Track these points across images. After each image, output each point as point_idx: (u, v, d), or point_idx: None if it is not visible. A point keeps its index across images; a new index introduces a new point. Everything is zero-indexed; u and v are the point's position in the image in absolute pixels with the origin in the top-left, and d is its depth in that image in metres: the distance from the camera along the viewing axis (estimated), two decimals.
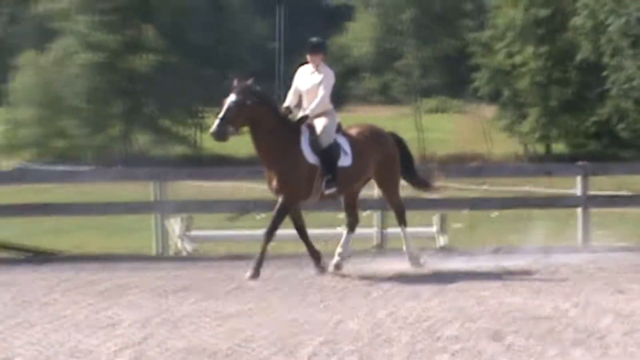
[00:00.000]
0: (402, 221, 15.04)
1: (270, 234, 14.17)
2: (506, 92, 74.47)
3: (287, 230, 15.84)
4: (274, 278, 14.63)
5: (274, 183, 14.07)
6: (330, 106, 14.46)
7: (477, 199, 26.00)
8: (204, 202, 22.63)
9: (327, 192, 14.38)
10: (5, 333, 11.08)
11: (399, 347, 10.43)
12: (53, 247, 20.28)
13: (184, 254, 20.53)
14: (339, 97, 78.51)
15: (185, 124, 75.31)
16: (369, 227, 19.43)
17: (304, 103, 14.49)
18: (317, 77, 14.49)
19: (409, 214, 16.05)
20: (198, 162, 64.71)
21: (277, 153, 14.08)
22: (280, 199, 14.19)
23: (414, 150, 42.59)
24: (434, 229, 21.88)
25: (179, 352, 10.40)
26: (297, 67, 14.86)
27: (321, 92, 14.34)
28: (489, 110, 77.77)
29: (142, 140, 73.74)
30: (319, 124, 14.39)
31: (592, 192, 21.57)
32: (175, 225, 21.32)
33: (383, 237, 19.37)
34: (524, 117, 74.05)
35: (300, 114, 14.39)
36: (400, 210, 15.20)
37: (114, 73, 72.82)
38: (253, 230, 21.59)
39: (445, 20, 77.60)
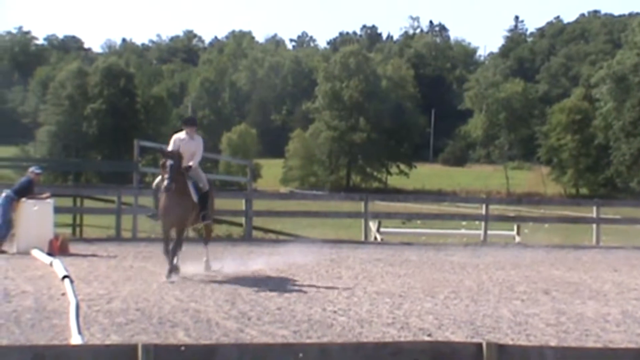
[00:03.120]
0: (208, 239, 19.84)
1: (177, 248, 18.30)
2: (555, 159, 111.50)
3: None
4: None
5: (174, 213, 18.12)
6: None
7: (539, 218, 36.07)
8: (389, 213, 33.94)
9: (204, 222, 19.24)
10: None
11: None
12: (307, 235, 31.20)
13: (379, 240, 29.47)
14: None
15: None
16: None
17: (183, 161, 18.24)
18: (194, 143, 18.62)
19: None
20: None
21: (179, 193, 18.02)
22: (177, 225, 18.27)
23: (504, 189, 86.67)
24: (514, 232, 31.39)
25: (375, 294, 16.79)
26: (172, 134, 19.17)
27: (200, 152, 18.62)
28: (545, 169, 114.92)
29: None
30: (200, 175, 18.83)
31: (602, 216, 31.69)
32: (373, 225, 30.22)
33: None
34: (564, 173, 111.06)
35: (185, 164, 18.24)
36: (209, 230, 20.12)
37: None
38: (414, 228, 34.24)
39: (523, 120, 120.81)
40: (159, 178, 18.51)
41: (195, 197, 18.28)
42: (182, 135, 18.70)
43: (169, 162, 17.76)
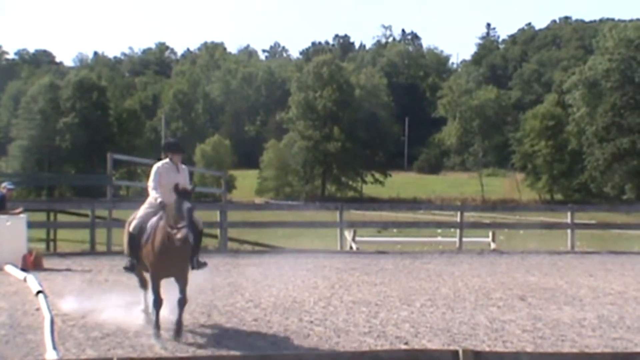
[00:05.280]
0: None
1: (184, 303, 13.97)
2: (529, 165, 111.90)
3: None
4: None
5: (177, 264, 13.90)
6: None
7: (513, 224, 37.73)
8: (364, 222, 35.03)
9: (198, 268, 14.62)
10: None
11: None
12: (283, 245, 31.12)
13: (354, 249, 29.43)
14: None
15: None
16: None
17: (165, 197, 14.13)
18: (181, 176, 14.59)
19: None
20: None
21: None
22: (180, 278, 13.94)
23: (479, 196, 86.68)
24: (489, 238, 31.19)
25: (352, 303, 16.73)
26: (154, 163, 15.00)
27: (187, 186, 14.26)
28: (520, 176, 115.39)
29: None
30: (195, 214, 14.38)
31: (577, 221, 31.45)
32: (348, 234, 30.38)
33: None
34: (539, 179, 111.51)
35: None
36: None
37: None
38: (390, 237, 34.49)
39: (497, 127, 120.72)
40: (137, 219, 14.86)
41: (191, 239, 14.26)
42: (165, 164, 14.82)
43: (187, 206, 13.75)
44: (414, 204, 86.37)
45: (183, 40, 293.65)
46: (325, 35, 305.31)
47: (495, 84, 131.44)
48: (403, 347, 13.41)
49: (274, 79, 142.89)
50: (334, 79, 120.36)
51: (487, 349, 13.05)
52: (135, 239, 14.69)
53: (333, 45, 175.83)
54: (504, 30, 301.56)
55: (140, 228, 14.62)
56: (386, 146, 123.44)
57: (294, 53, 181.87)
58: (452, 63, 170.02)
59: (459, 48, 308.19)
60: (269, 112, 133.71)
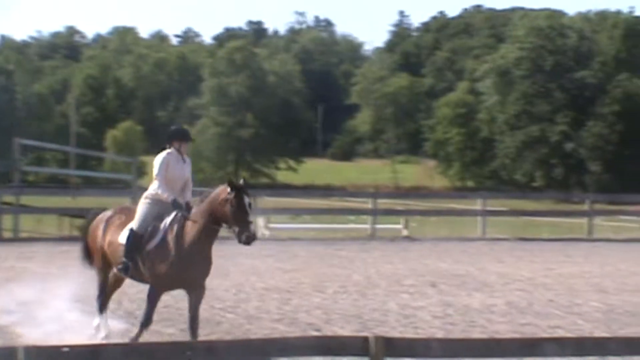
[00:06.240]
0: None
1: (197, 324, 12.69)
2: (441, 153, 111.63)
3: None
4: None
5: (201, 270, 12.65)
6: None
7: (426, 211, 37.65)
8: (277, 209, 34.84)
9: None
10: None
11: None
12: None
13: (267, 236, 28.57)
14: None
15: None
16: None
17: (176, 191, 12.91)
18: (187, 168, 13.12)
19: None
20: None
21: (209, 243, 12.63)
22: (199, 289, 12.74)
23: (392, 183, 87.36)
24: (401, 225, 31.03)
25: (264, 290, 17.61)
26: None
27: (190, 181, 13.21)
28: (432, 163, 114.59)
29: None
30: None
31: (488, 208, 32.74)
32: (261, 220, 29.95)
33: None
34: (451, 167, 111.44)
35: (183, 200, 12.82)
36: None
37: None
38: (303, 224, 34.22)
39: (410, 114, 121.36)
40: (141, 217, 13.00)
41: None
42: (172, 154, 13.14)
43: (247, 200, 12.49)
44: (327, 190, 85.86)
45: (93, 24, 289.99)
46: (239, 21, 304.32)
47: (408, 71, 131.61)
48: (314, 333, 13.39)
49: (187, 64, 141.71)
50: (247, 65, 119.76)
51: (399, 336, 13.08)
52: (138, 240, 12.84)
53: (247, 31, 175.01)
54: (417, 18, 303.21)
55: (153, 229, 12.83)
56: (300, 133, 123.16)
57: (207, 39, 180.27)
58: (366, 50, 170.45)
59: (373, 35, 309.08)
60: (181, 97, 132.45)
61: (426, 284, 18.89)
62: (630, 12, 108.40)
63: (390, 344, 8.72)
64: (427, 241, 28.12)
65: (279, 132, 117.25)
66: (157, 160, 13.18)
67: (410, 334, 13.74)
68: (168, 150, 13.09)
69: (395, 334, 13.54)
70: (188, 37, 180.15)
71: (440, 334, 13.81)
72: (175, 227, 12.63)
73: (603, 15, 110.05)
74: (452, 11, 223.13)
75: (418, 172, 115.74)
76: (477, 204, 32.85)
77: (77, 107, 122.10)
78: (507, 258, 24.11)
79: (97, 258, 13.39)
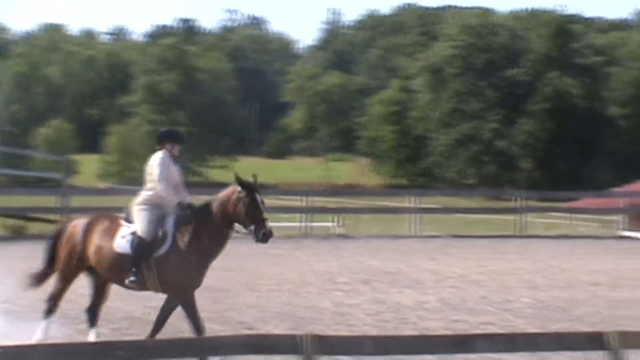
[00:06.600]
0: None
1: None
2: (375, 150, 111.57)
3: None
4: None
5: (200, 276, 12.62)
6: None
7: (360, 209, 37.73)
8: None
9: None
10: None
11: None
12: None
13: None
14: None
15: None
16: None
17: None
18: (178, 170, 12.82)
19: None
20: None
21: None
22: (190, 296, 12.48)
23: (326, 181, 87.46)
24: (335, 223, 31.97)
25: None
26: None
27: (182, 183, 12.98)
28: (366, 161, 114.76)
29: None
30: None
31: (420, 206, 33.01)
32: None
33: None
34: (384, 164, 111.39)
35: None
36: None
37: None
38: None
39: (343, 112, 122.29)
40: (147, 224, 12.48)
41: None
42: (165, 155, 12.63)
43: (260, 197, 12.76)
44: (261, 189, 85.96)
45: (20, 21, 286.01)
46: (169, 19, 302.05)
47: (341, 69, 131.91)
48: (247, 332, 13.33)
49: (117, 62, 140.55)
50: (179, 63, 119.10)
51: (332, 334, 13.07)
52: (147, 248, 12.34)
53: (178, 28, 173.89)
54: (349, 16, 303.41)
55: (163, 235, 12.43)
56: (232, 131, 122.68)
57: (138, 36, 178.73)
58: (298, 48, 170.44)
59: (305, 33, 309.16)
60: (112, 95, 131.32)
61: (359, 281, 18.91)
62: (561, 10, 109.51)
63: (322, 342, 8.71)
64: (361, 239, 28.16)
65: (212, 130, 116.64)
66: (155, 161, 12.57)
67: (344, 331, 13.75)
68: (161, 152, 12.64)
69: (329, 332, 13.51)
70: (118, 34, 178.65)
71: (373, 331, 13.83)
72: (186, 232, 12.48)
73: (534, 14, 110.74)
74: (385, 9, 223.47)
75: (351, 170, 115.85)
76: (411, 202, 32.81)
77: (6, 105, 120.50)
78: (440, 255, 24.21)
79: (66, 264, 12.81)
